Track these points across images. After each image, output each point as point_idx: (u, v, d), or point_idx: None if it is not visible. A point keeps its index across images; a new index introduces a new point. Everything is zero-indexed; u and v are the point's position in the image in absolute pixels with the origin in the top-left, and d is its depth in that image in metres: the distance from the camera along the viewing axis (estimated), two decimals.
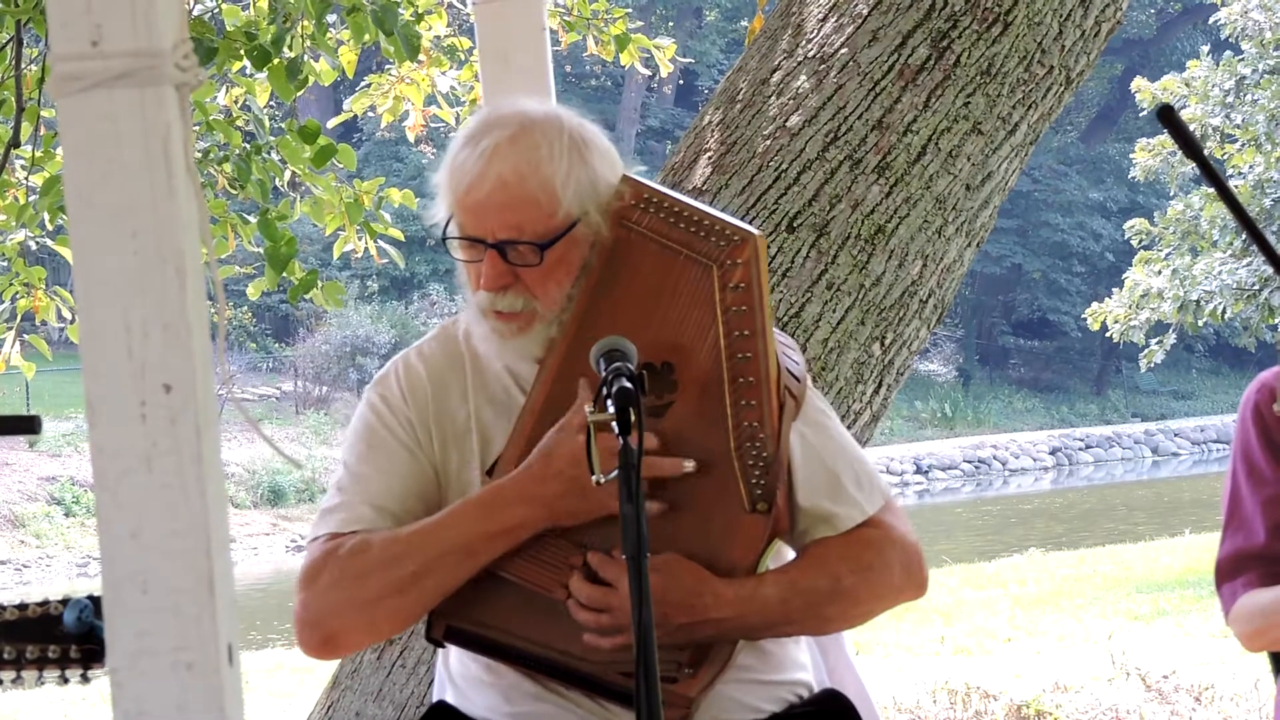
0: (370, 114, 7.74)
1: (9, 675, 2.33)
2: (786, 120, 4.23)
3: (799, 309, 4.13)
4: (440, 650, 2.91)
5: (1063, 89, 4.39)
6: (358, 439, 2.82)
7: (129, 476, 2.08)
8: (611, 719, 2.74)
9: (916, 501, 30.84)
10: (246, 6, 6.22)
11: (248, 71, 6.26)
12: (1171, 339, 19.53)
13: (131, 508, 2.08)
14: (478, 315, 2.77)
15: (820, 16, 4.31)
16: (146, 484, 2.08)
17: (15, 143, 5.82)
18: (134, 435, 2.08)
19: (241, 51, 5.61)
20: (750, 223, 3.56)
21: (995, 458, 36.06)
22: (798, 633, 2.84)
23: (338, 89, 32.32)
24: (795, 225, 4.16)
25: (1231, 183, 19.50)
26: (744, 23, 38.37)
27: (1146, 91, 19.97)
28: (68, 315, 6.77)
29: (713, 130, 4.33)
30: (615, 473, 2.40)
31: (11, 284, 6.76)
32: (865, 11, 4.26)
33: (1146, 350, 19.63)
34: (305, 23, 5.83)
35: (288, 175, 6.43)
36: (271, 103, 6.88)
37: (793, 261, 4.14)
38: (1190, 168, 19.93)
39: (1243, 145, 19.96)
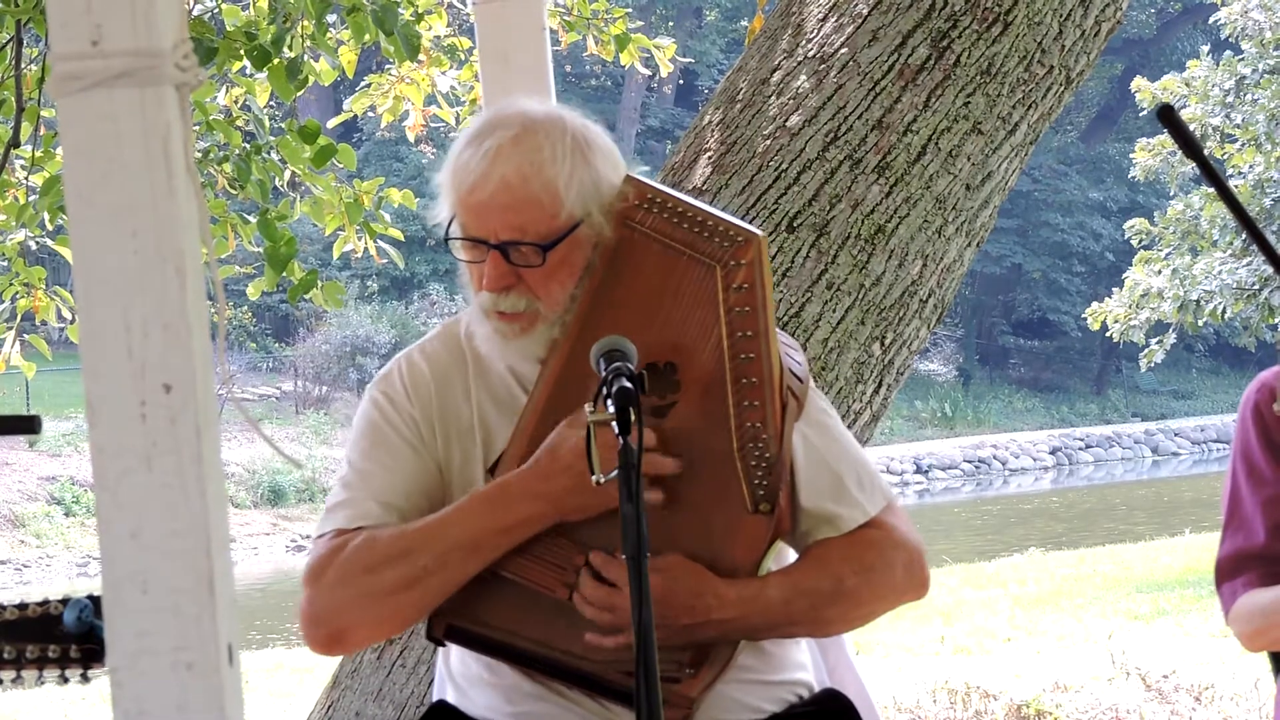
0: (370, 114, 7.74)
1: (9, 675, 2.33)
2: (786, 120, 4.23)
3: (799, 309, 4.13)
4: (441, 650, 2.91)
5: (1063, 89, 4.39)
6: (362, 436, 2.82)
7: (129, 476, 2.08)
8: (613, 718, 2.74)
9: (916, 501, 30.84)
10: (246, 6, 6.22)
11: (248, 71, 6.26)
12: (1171, 339, 19.53)
13: (131, 508, 2.08)
14: (480, 316, 2.77)
15: (820, 16, 4.31)
16: (146, 484, 2.08)
17: (15, 142, 5.82)
18: (134, 435, 2.08)
19: (241, 51, 5.61)
20: (750, 223, 3.56)
21: (995, 457, 36.06)
22: (800, 634, 2.84)
23: (338, 89, 32.33)
24: (795, 225, 4.16)
25: (1231, 182, 19.50)
26: (744, 22, 38.38)
27: (1146, 91, 19.97)
28: (68, 315, 6.77)
29: (713, 130, 4.33)
30: (615, 472, 2.40)
31: (11, 284, 6.76)
32: (865, 11, 4.26)
33: (1146, 350, 19.63)
34: (305, 23, 5.83)
35: (288, 175, 6.43)
36: (271, 103, 6.88)
37: (793, 261, 4.14)
38: (1190, 167, 19.94)
39: (1243, 145, 19.96)
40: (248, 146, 6.34)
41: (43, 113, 5.88)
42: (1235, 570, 3.00)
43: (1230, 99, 20.02)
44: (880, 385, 4.27)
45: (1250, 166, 19.86)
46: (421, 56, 7.04)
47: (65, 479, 27.92)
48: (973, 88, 4.24)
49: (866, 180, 4.18)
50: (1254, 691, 8.00)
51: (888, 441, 35.15)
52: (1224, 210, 18.64)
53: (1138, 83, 20.34)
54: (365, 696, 4.23)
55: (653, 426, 2.68)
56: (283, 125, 6.35)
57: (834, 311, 4.16)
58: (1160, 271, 19.17)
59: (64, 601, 2.32)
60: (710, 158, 4.28)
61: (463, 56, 7.40)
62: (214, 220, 6.27)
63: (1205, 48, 21.70)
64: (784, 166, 4.19)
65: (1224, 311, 18.72)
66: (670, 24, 42.07)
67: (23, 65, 5.67)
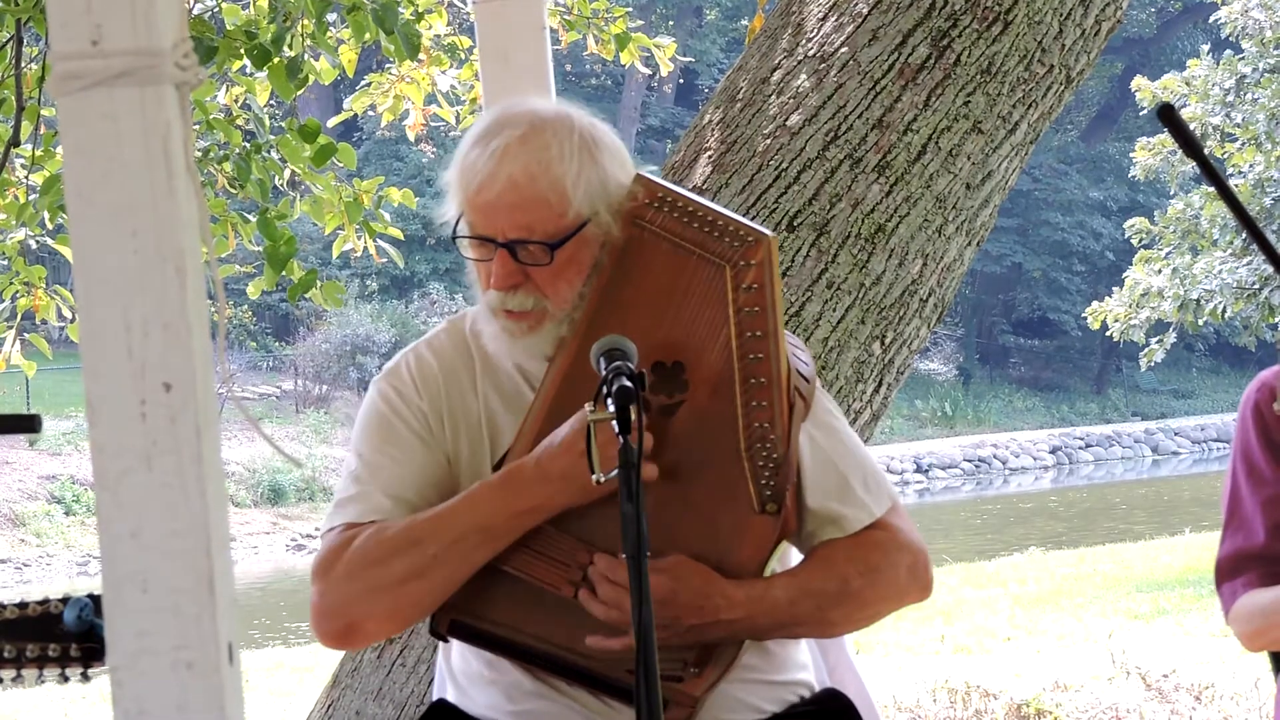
0: (370, 113, 7.75)
1: (9, 674, 2.33)
2: (787, 119, 4.23)
3: (799, 308, 4.13)
4: (441, 648, 2.91)
5: (1063, 88, 4.39)
6: (371, 430, 2.81)
7: (129, 476, 2.08)
8: (614, 716, 2.74)
9: (917, 500, 30.84)
10: (246, 5, 6.22)
11: (248, 70, 6.26)
12: (1172, 338, 19.53)
13: (131, 507, 2.08)
14: (488, 314, 2.77)
15: (820, 15, 4.31)
16: (146, 483, 2.08)
17: (15, 141, 5.82)
18: (134, 434, 2.08)
19: (241, 50, 5.61)
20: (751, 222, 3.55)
21: (995, 456, 36.06)
22: (804, 634, 2.84)
23: (338, 88, 32.32)
24: (795, 224, 4.16)
25: (1231, 182, 19.50)
26: (744, 22, 38.38)
27: (1147, 90, 19.98)
28: (68, 314, 6.77)
29: (713, 129, 4.33)
30: (615, 471, 2.40)
31: (12, 283, 6.76)
32: (865, 10, 4.26)
33: (1147, 349, 19.63)
34: (305, 21, 5.83)
35: (287, 174, 6.43)
36: (271, 102, 6.88)
37: (793, 260, 4.14)
38: (1190, 167, 19.95)
39: (1243, 144, 19.97)
40: (248, 145, 6.34)
41: (43, 112, 5.88)
42: (1235, 570, 3.00)
43: (1230, 98, 20.02)
44: (880, 384, 4.27)
45: (1250, 166, 19.86)
46: (422, 55, 7.05)
47: (65, 478, 27.92)
48: (973, 87, 4.24)
49: (867, 179, 4.18)
50: (1254, 691, 8.00)
51: (888, 441, 35.15)
52: (1224, 209, 18.65)
53: (1138, 82, 20.34)
54: (365, 695, 4.23)
55: (660, 425, 2.68)
56: (283, 124, 6.35)
57: (834, 311, 4.16)
58: (1160, 271, 19.18)
59: (64, 600, 2.32)
60: (710, 157, 4.28)
61: (463, 55, 7.41)
62: (214, 219, 6.27)
63: (1205, 47, 21.70)
64: (784, 165, 4.19)
65: (1224, 311, 18.72)
66: (670, 23, 42.07)
67: (23, 64, 5.67)
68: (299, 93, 5.98)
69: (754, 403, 2.70)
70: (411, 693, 4.16)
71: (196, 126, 5.92)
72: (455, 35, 7.44)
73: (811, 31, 4.30)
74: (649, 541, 2.38)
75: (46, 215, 6.21)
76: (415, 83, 7.39)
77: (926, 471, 34.61)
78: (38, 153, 6.23)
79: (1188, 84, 20.30)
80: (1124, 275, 20.00)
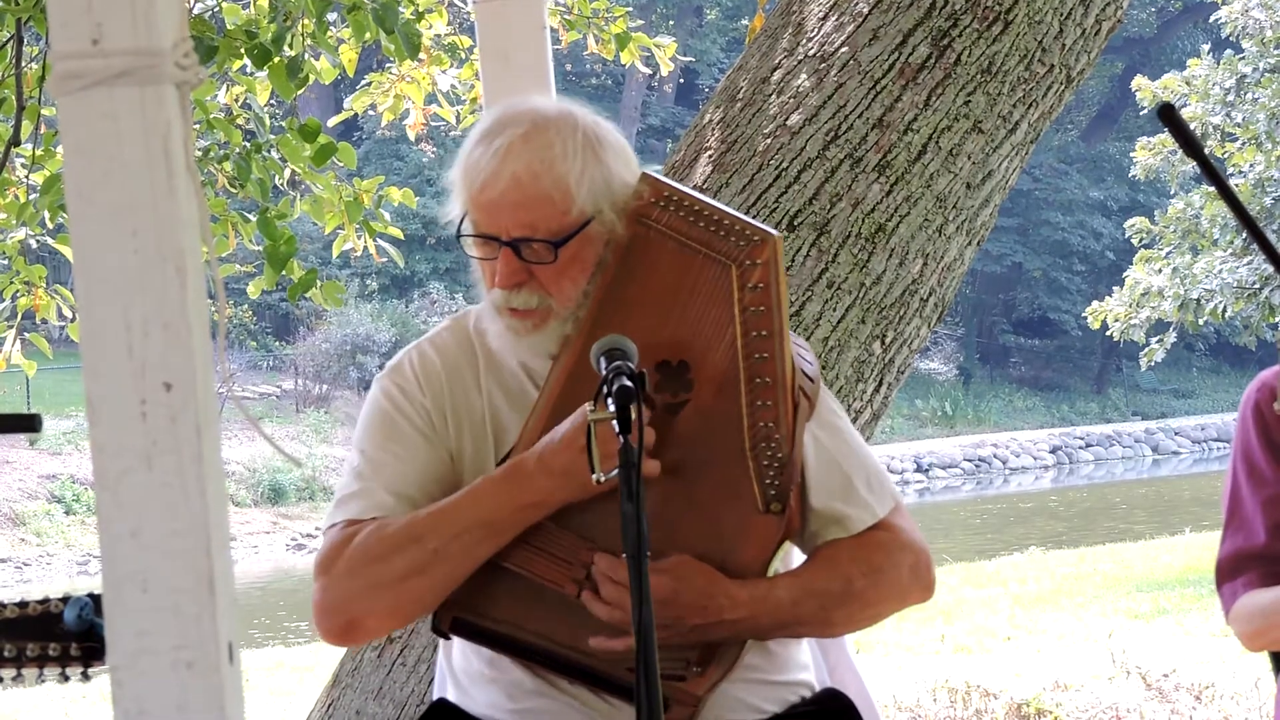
0: (371, 112, 7.75)
1: (9, 673, 2.33)
2: (787, 119, 4.22)
3: (799, 307, 4.13)
4: (442, 647, 2.91)
5: (1063, 87, 4.39)
6: (374, 427, 2.81)
7: (129, 475, 2.08)
8: (616, 714, 2.73)
9: (917, 500, 30.83)
10: (247, 5, 6.22)
11: (248, 70, 6.26)
12: (1172, 337, 19.53)
13: (132, 506, 2.08)
14: (492, 312, 2.77)
15: (821, 15, 4.31)
16: (147, 483, 2.08)
17: (16, 141, 5.82)
18: (134, 434, 2.08)
19: (242, 50, 5.61)
20: None
21: (996, 456, 36.06)
22: (807, 634, 2.85)
23: (338, 87, 32.32)
24: (796, 224, 4.16)
25: (1232, 181, 19.49)
26: (744, 21, 38.37)
27: (1147, 90, 19.98)
28: (68, 313, 6.77)
29: (713, 129, 4.33)
30: (616, 470, 2.40)
31: (12, 282, 6.77)
32: (866, 10, 4.25)
33: (1147, 349, 19.63)
34: (306, 21, 5.83)
35: (288, 174, 6.43)
36: (272, 101, 6.88)
37: (793, 260, 4.14)
38: (1191, 166, 19.94)
39: (1243, 144, 19.97)
40: (248, 145, 6.34)
41: (43, 111, 5.88)
42: (1236, 570, 3.00)
43: (1231, 98, 20.02)
44: (881, 384, 4.27)
45: (1251, 165, 19.87)
46: (422, 55, 7.05)
47: (66, 477, 27.93)
48: (973, 86, 4.24)
49: (867, 179, 4.18)
50: (1254, 690, 8.00)
51: (888, 440, 35.15)
52: (1224, 209, 18.65)
53: (1138, 81, 20.34)
54: (366, 695, 4.23)
55: (664, 424, 2.68)
56: (283, 124, 6.35)
57: (834, 310, 4.16)
58: (1161, 270, 19.18)
59: (64, 600, 2.32)
60: (711, 156, 4.28)
61: (463, 55, 7.40)
62: (214, 219, 6.27)
63: (1206, 46, 21.70)
64: (784, 165, 4.19)
65: (1224, 310, 18.72)
66: (670, 23, 42.07)
67: (23, 64, 5.67)
68: (299, 92, 5.98)
69: (759, 402, 2.70)
70: (412, 692, 4.16)
71: (197, 126, 5.92)
72: (455, 35, 7.44)
73: (812, 31, 4.30)
74: (652, 540, 2.38)
75: (47, 215, 6.21)
76: (415, 82, 7.39)
77: (927, 471, 34.61)
78: (38, 152, 6.23)
79: (1188, 84, 20.30)
80: (1124, 275, 20.00)
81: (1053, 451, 36.83)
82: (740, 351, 2.71)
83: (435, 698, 2.95)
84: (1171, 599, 12.57)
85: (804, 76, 4.25)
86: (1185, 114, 19.24)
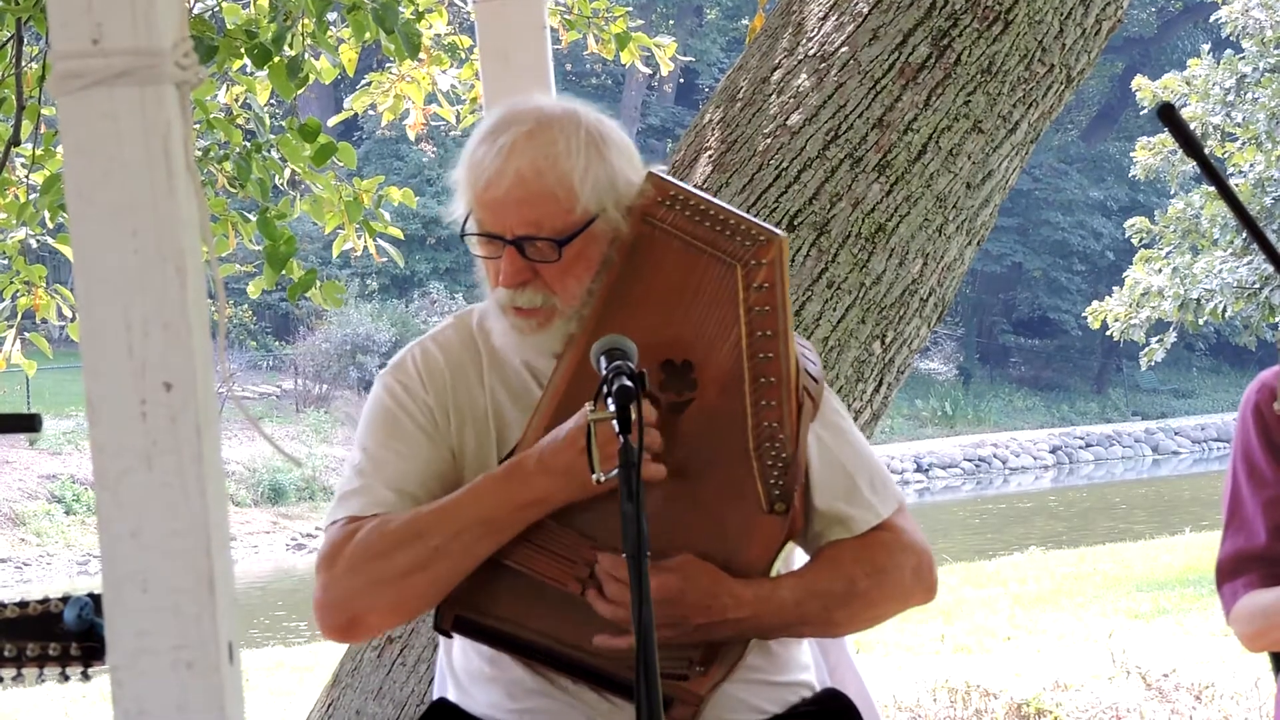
0: (371, 112, 7.75)
1: (10, 673, 2.33)
2: (787, 118, 4.22)
3: (799, 307, 4.13)
4: (442, 646, 2.91)
5: (1063, 87, 4.39)
6: (377, 424, 2.81)
7: (129, 475, 2.08)
8: (617, 714, 2.73)
9: (917, 500, 30.83)
10: (247, 4, 6.22)
11: (248, 70, 6.26)
12: (1172, 337, 19.53)
13: (132, 506, 2.08)
14: (497, 311, 2.77)
15: (821, 15, 4.31)
16: (147, 483, 2.08)
17: (16, 141, 5.82)
18: (134, 434, 2.08)
19: (242, 49, 5.61)
20: None
21: (995, 456, 36.06)
22: (809, 634, 2.85)
23: (338, 87, 32.31)
24: (796, 223, 4.16)
25: (1232, 181, 19.50)
26: (744, 21, 38.38)
27: (1147, 90, 19.98)
28: (68, 313, 6.77)
29: (713, 128, 4.33)
30: (616, 470, 2.40)
31: (12, 282, 6.77)
32: (866, 10, 4.25)
33: (1147, 349, 19.63)
34: (306, 21, 5.83)
35: (288, 173, 6.43)
36: (272, 101, 6.88)
37: (793, 260, 4.14)
38: (1191, 166, 19.95)
39: (1243, 143, 19.97)
40: (248, 145, 6.34)
41: (43, 111, 5.88)
42: (1236, 571, 3.00)
43: (1231, 97, 20.03)
44: (881, 384, 4.27)
45: (1251, 165, 19.87)
46: (422, 55, 7.05)
47: (66, 477, 27.93)
48: (973, 86, 4.24)
49: (867, 179, 4.18)
50: (1254, 690, 8.00)
51: (888, 440, 35.15)
52: (1224, 209, 18.65)
53: (1138, 81, 20.35)
54: (366, 695, 4.23)
55: (669, 424, 2.68)
56: (283, 123, 6.35)
57: (834, 310, 4.16)
58: (1161, 270, 19.18)
59: (64, 599, 2.32)
60: (711, 156, 4.28)
61: (463, 55, 7.40)
62: (214, 219, 6.27)
63: (1206, 46, 21.71)
64: (784, 165, 4.19)
65: (1224, 310, 18.73)
66: (671, 22, 42.07)
67: (23, 63, 5.67)
68: (299, 92, 5.98)
69: (763, 402, 2.70)
70: (412, 692, 4.16)
71: (197, 126, 5.92)
72: (455, 35, 7.44)
73: (812, 31, 4.30)
74: (656, 540, 2.38)
75: (47, 214, 6.21)
76: (415, 82, 7.40)
77: (926, 471, 34.61)
78: (38, 152, 6.23)
79: (1188, 83, 20.31)
80: (1124, 275, 20.01)
81: (1053, 451, 36.83)
82: (745, 351, 2.71)
83: (435, 697, 2.94)
84: (1171, 599, 12.57)
85: (804, 76, 4.25)
86: (1185, 114, 19.24)
